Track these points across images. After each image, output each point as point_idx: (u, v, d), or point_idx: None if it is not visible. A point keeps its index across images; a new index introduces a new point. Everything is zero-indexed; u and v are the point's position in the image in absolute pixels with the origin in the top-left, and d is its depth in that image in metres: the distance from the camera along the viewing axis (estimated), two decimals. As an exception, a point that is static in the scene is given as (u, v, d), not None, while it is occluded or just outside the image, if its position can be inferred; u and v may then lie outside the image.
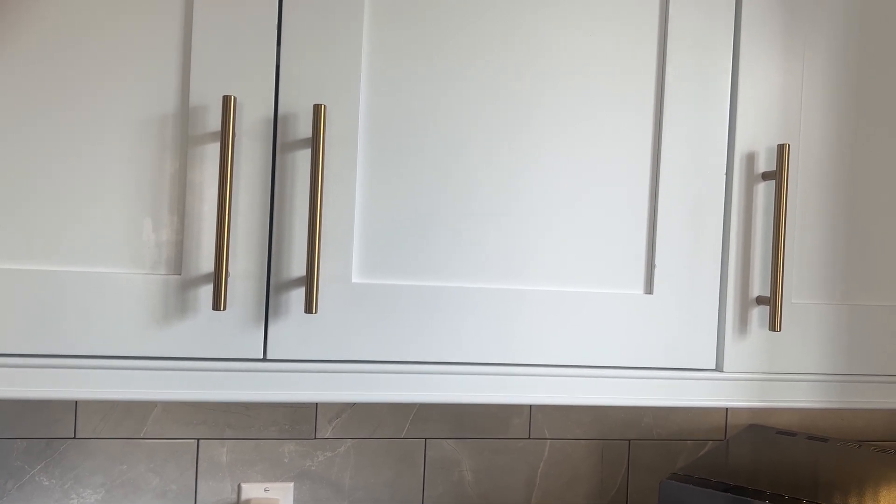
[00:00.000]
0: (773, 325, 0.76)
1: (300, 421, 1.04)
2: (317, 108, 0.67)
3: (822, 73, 0.81)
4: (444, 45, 0.73)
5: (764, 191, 0.79)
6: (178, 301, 0.68)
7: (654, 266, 0.77)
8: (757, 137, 0.79)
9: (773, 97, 0.79)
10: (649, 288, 0.77)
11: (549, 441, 1.11)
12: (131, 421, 1.00)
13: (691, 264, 0.78)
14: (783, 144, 0.76)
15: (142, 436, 1.00)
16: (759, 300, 0.79)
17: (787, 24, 0.79)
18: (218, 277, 0.66)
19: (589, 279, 0.76)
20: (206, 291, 0.69)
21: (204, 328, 0.69)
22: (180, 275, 0.69)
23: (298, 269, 0.70)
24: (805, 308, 0.80)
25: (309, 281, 0.67)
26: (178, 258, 0.69)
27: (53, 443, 0.98)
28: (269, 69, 0.70)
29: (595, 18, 0.76)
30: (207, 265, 0.69)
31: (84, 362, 0.68)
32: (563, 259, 0.76)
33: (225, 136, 0.66)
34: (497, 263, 0.75)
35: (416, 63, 0.73)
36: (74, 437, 0.99)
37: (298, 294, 0.70)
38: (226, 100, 0.66)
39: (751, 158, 0.79)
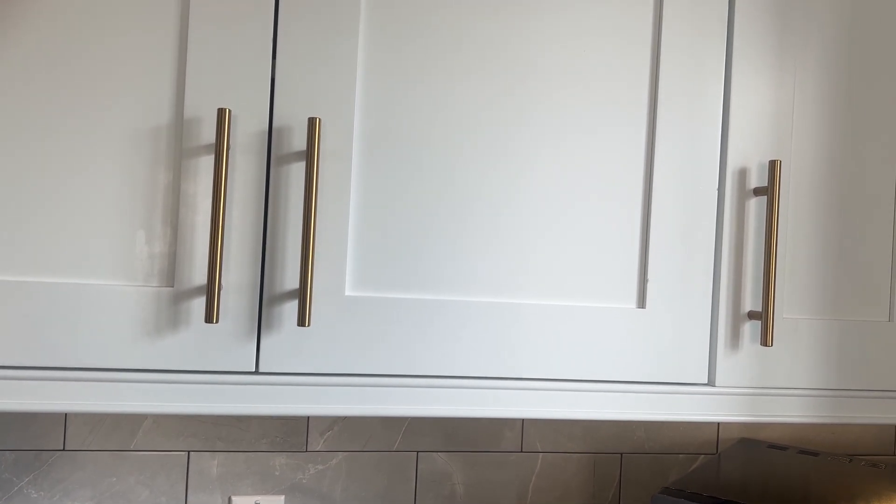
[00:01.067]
0: (765, 339, 0.76)
1: (291, 434, 1.03)
2: (312, 122, 0.67)
3: (813, 90, 0.82)
4: (439, 60, 0.74)
5: (756, 206, 0.80)
6: (170, 313, 0.68)
7: (647, 280, 0.77)
8: (749, 153, 0.79)
9: (764, 113, 0.80)
10: (642, 302, 0.78)
11: (541, 454, 1.10)
12: (121, 433, 0.99)
13: (684, 279, 0.78)
14: (775, 160, 0.77)
15: (131, 448, 0.99)
16: (751, 315, 0.79)
17: (778, 42, 0.80)
18: (211, 290, 0.65)
19: (582, 293, 0.77)
20: (199, 304, 0.69)
21: (196, 341, 0.69)
22: (173, 287, 0.68)
23: (291, 281, 0.70)
24: (796, 323, 0.81)
25: (302, 294, 0.67)
26: (171, 270, 0.69)
27: (42, 455, 0.98)
28: (264, 82, 0.70)
29: (587, 34, 0.76)
30: (200, 277, 0.69)
31: (74, 374, 0.67)
32: (557, 273, 0.76)
33: (219, 149, 0.66)
34: (491, 277, 0.75)
35: (411, 77, 0.73)
36: (63, 449, 0.98)
37: (291, 307, 0.70)
38: (220, 112, 0.66)
39: (742, 174, 0.79)
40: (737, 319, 0.79)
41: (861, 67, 0.83)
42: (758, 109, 0.80)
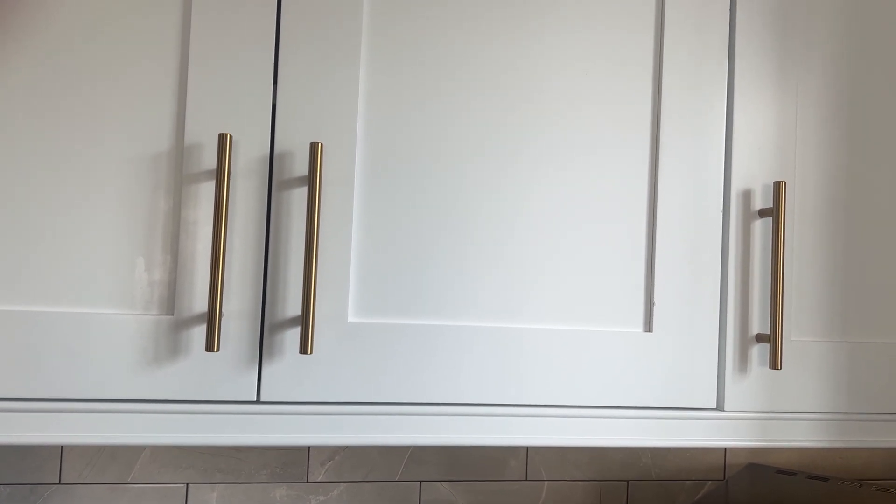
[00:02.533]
0: (774, 363, 0.75)
1: (292, 464, 1.01)
2: (314, 147, 0.67)
3: (816, 110, 0.81)
4: (440, 86, 0.73)
5: (761, 228, 0.79)
6: (169, 342, 0.67)
7: (654, 304, 0.76)
8: (753, 175, 0.79)
9: (767, 135, 0.80)
10: (649, 326, 0.77)
11: (546, 483, 1.08)
12: (118, 466, 0.97)
13: (690, 302, 0.77)
14: (779, 182, 0.76)
15: (129, 481, 0.97)
16: (759, 338, 0.78)
17: (779, 63, 0.80)
18: (211, 318, 0.64)
19: (588, 317, 0.75)
20: (199, 332, 0.67)
21: (196, 370, 0.67)
22: (173, 315, 0.67)
23: (293, 308, 0.69)
24: (805, 345, 0.80)
25: (304, 321, 0.66)
26: (171, 298, 0.68)
27: (38, 489, 0.96)
28: (266, 107, 0.69)
29: (589, 58, 0.76)
30: (201, 305, 0.67)
31: (71, 406, 0.66)
32: (562, 297, 0.75)
33: (220, 175, 0.65)
34: (495, 302, 0.74)
35: (413, 103, 0.73)
36: (59, 483, 0.96)
37: (293, 334, 0.69)
38: (222, 138, 0.65)
39: (747, 196, 0.79)
40: (745, 342, 0.78)
41: (862, 86, 0.83)
42: (761, 131, 0.79)
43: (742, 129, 0.79)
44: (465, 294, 0.73)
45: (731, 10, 0.80)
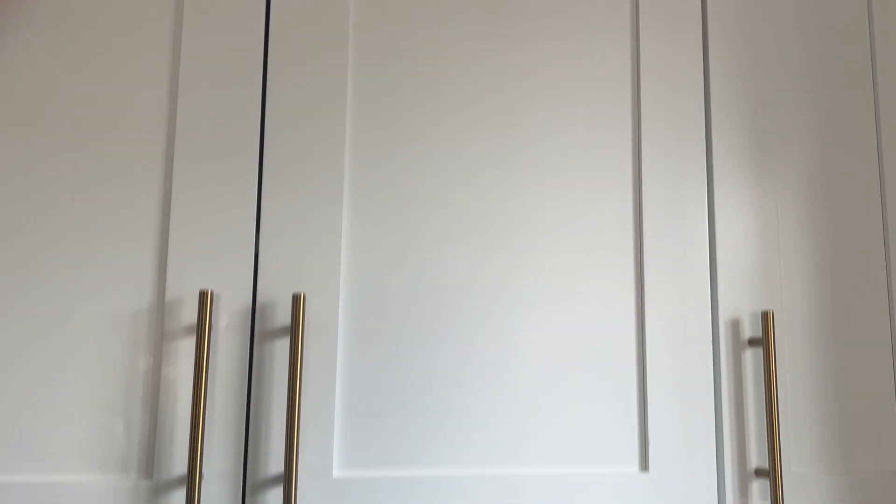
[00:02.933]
0: (776, 499, 0.73)
1: None
2: (296, 298, 0.66)
3: (797, 230, 0.82)
4: (421, 232, 0.73)
5: (752, 357, 0.78)
6: (148, 508, 0.64)
7: (648, 441, 0.74)
8: (739, 304, 0.79)
9: (751, 261, 0.80)
10: (645, 465, 0.74)
11: None
12: None
13: (686, 437, 0.75)
14: (767, 311, 0.75)
15: None
16: (758, 472, 0.76)
17: (758, 181, 0.81)
18: (191, 482, 0.62)
19: (582, 459, 0.73)
20: (179, 496, 0.65)
21: (176, 536, 0.64)
22: (151, 479, 0.65)
23: (276, 464, 0.67)
24: (806, 477, 0.77)
25: (287, 479, 0.64)
26: (150, 461, 0.65)
27: None
28: (248, 259, 0.69)
29: (570, 190, 0.77)
30: (181, 467, 0.65)
31: (45, 576, 0.63)
32: (554, 440, 0.73)
33: (201, 332, 0.64)
34: (485, 448, 0.71)
35: (396, 247, 0.73)
36: None
37: (276, 494, 0.66)
38: (202, 295, 0.64)
39: (735, 325, 0.78)
40: (744, 477, 0.76)
41: (841, 204, 0.84)
42: (745, 258, 0.79)
43: (726, 258, 0.79)
44: (455, 441, 0.71)
45: (706, 133, 0.81)
